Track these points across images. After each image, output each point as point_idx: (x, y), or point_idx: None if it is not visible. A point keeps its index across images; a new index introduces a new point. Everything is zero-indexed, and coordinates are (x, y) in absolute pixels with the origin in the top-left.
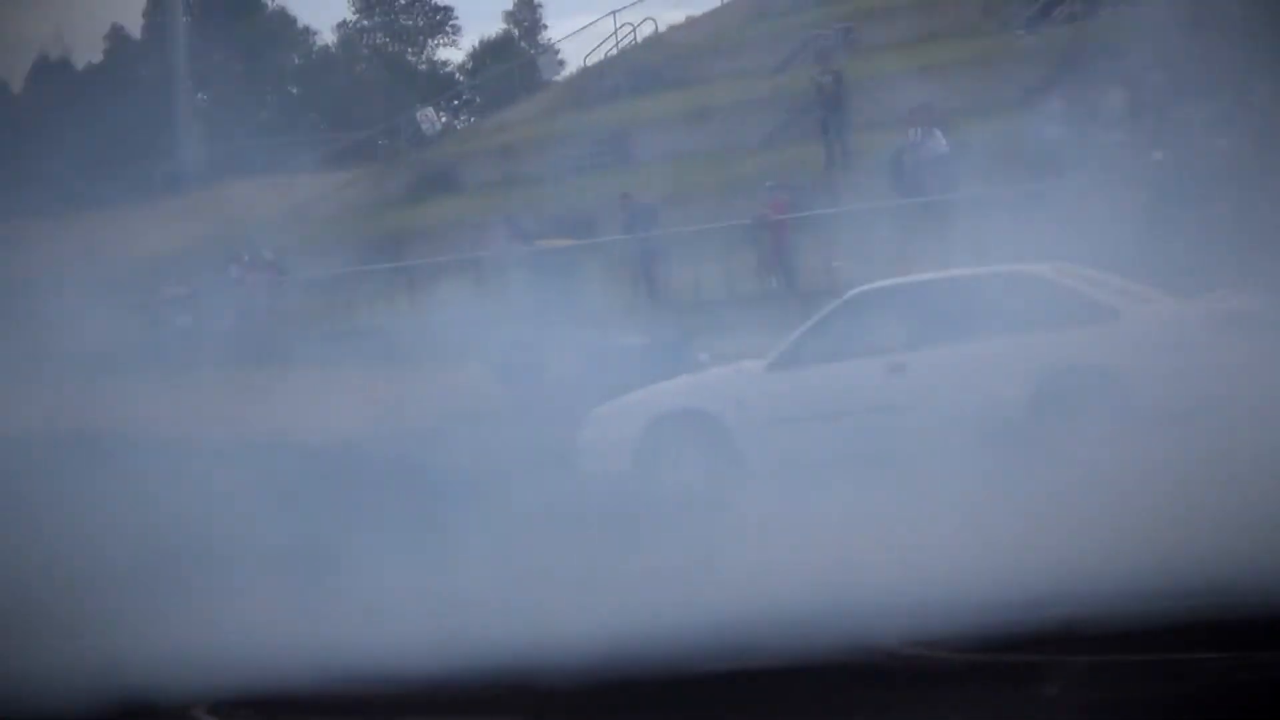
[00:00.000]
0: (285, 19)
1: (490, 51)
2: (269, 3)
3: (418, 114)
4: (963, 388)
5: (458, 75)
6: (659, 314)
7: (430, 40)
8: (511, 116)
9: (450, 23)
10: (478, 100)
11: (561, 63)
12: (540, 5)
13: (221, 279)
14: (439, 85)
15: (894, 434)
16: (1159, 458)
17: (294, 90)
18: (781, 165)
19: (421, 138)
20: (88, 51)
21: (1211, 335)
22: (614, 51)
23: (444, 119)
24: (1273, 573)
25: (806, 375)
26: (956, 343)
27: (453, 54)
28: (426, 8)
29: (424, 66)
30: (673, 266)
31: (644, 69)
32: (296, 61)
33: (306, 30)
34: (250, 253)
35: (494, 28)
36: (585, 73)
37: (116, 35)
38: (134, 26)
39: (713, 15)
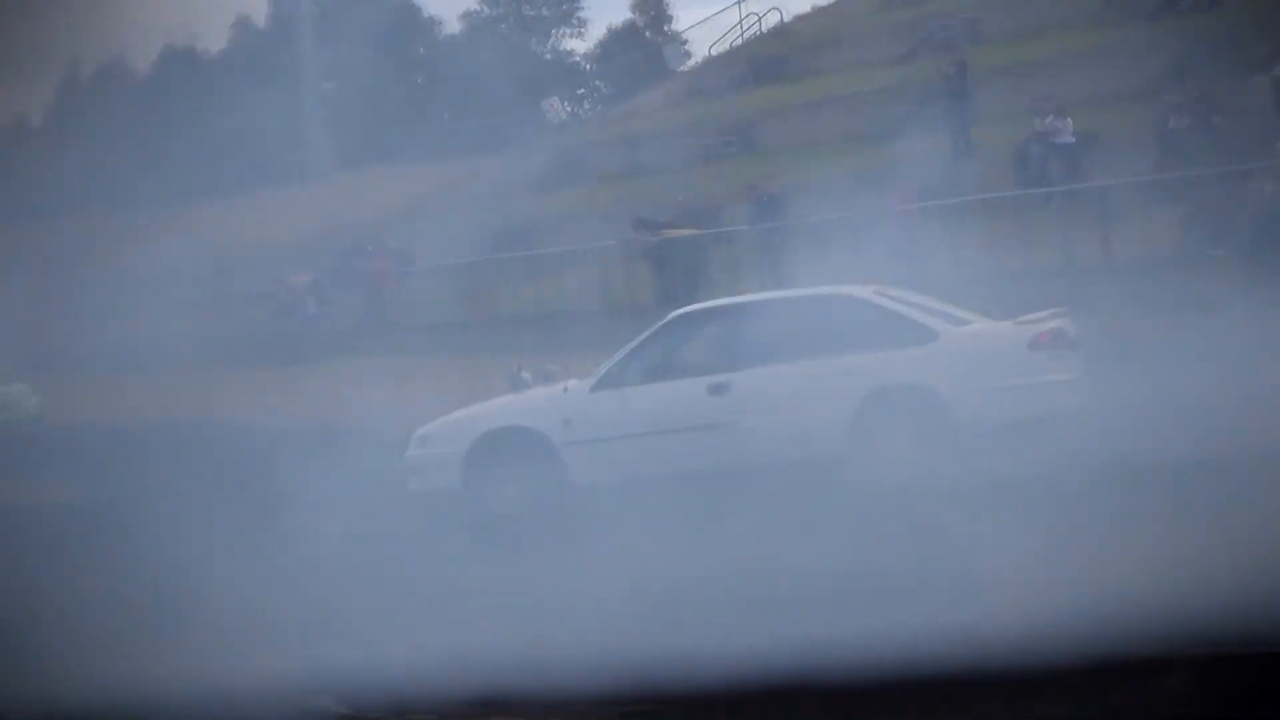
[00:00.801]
0: (411, 8)
1: (616, 41)
2: None
3: (543, 104)
4: (783, 408)
5: (584, 65)
6: None
7: (556, 30)
8: (637, 106)
9: (577, 13)
10: (603, 90)
11: (687, 53)
12: None
13: (347, 268)
14: (565, 75)
15: (716, 453)
16: (974, 476)
17: (420, 80)
18: (906, 155)
19: (547, 127)
20: (214, 40)
21: (1026, 355)
22: (739, 41)
23: (569, 108)
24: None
25: (630, 395)
26: (777, 363)
27: (579, 44)
28: None
29: (550, 56)
30: (799, 257)
31: (769, 59)
32: (422, 51)
33: (433, 20)
34: (375, 242)
35: (620, 17)
36: (711, 62)
37: (242, 24)
38: (259, 15)
39: (838, 5)
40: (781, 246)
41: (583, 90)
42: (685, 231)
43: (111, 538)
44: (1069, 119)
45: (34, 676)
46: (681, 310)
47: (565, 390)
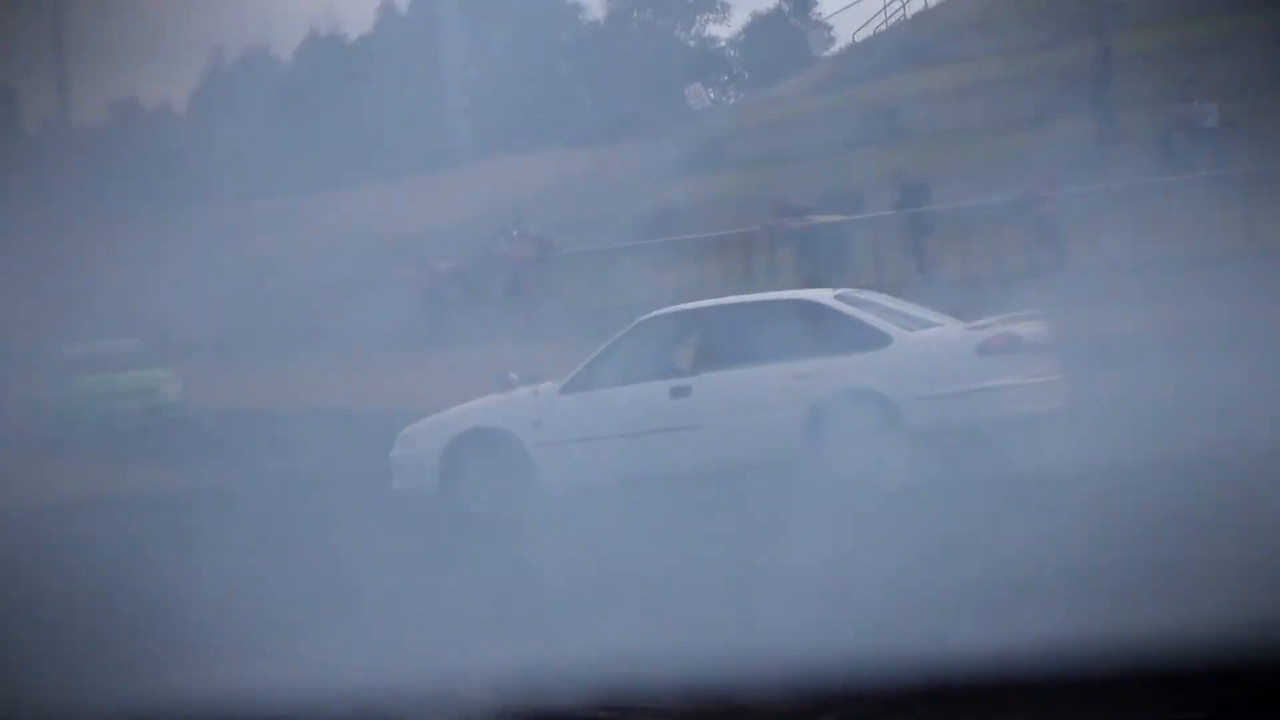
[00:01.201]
0: None
1: (760, 27)
2: None
3: (687, 90)
4: (743, 411)
5: (727, 51)
6: (929, 290)
7: (700, 16)
8: (780, 92)
9: None
10: (746, 76)
11: (831, 38)
12: None
13: (491, 254)
14: (708, 61)
15: (677, 456)
16: (921, 479)
17: (562, 66)
18: (1050, 141)
19: (690, 113)
20: (357, 26)
21: (975, 360)
22: (883, 27)
23: (713, 95)
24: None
25: (597, 397)
26: (738, 367)
27: (722, 29)
28: None
29: (693, 43)
30: (941, 241)
31: (913, 44)
32: (565, 37)
33: (576, 6)
34: (518, 228)
35: (764, 4)
36: (854, 48)
37: (385, 10)
38: (402, 1)
39: None
40: (924, 231)
41: (726, 76)
42: (829, 217)
43: (258, 524)
44: (1213, 104)
45: (219, 661)
46: (649, 315)
47: (536, 393)
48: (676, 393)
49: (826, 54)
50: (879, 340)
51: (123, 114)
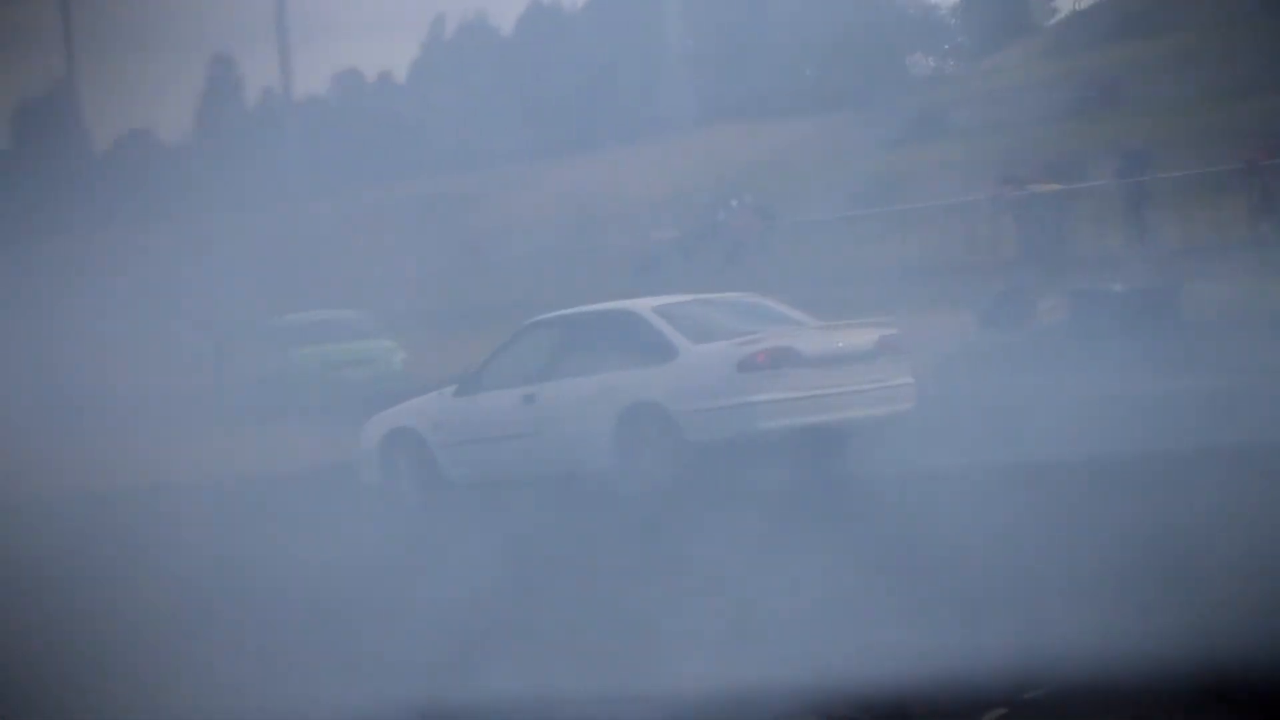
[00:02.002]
0: None
1: None
2: None
3: (908, 58)
4: (569, 420)
5: (949, 20)
6: (1148, 259)
7: None
8: (1002, 61)
9: None
10: (968, 44)
11: (1054, 7)
12: None
13: (711, 223)
14: (930, 29)
15: (523, 461)
16: (693, 493)
17: (782, 35)
18: (1271, 109)
19: (910, 82)
20: None
21: (734, 376)
22: None
23: (934, 63)
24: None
25: (477, 401)
26: (569, 377)
27: None
28: None
29: (915, 11)
30: (1162, 212)
31: (1134, 13)
32: (785, 6)
33: None
34: (739, 198)
35: None
36: (1076, 17)
37: None
38: None
39: None
40: (1145, 201)
41: (947, 45)
42: (1051, 187)
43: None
44: None
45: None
46: (532, 320)
47: (439, 394)
48: (527, 400)
49: (1049, 22)
50: (668, 354)
51: (345, 84)
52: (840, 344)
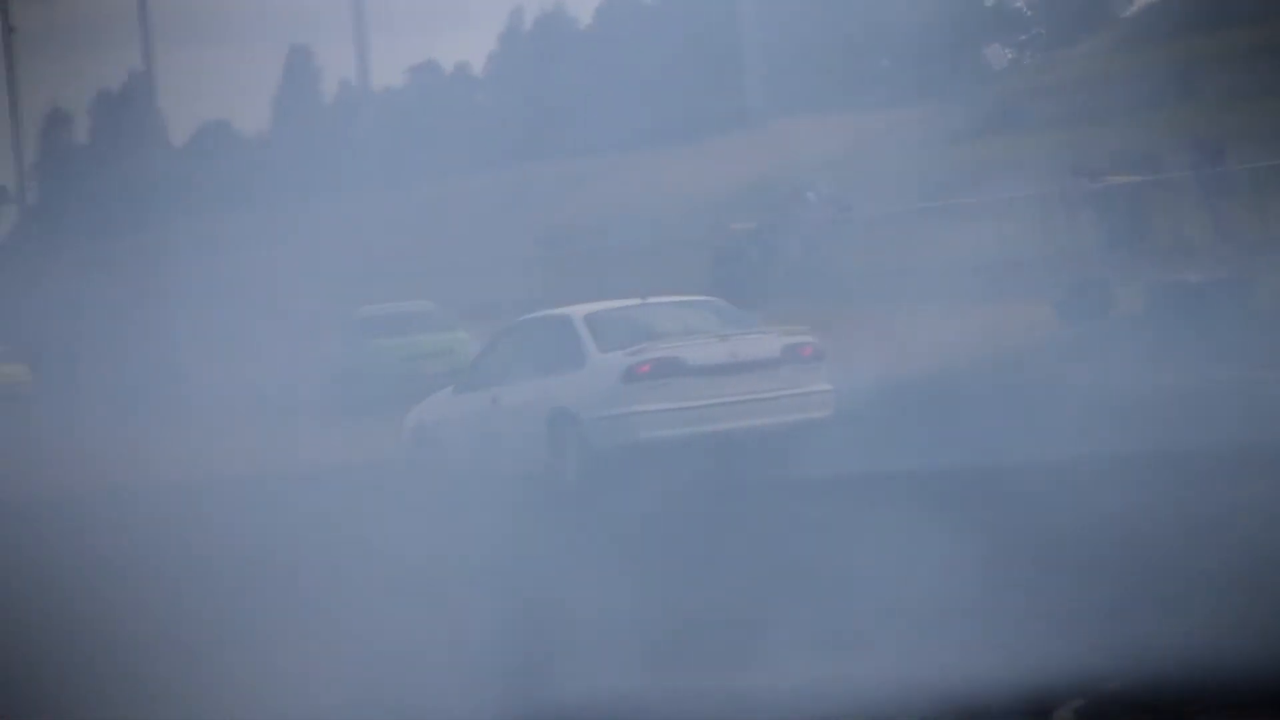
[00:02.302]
0: None
1: None
2: None
3: (984, 50)
4: (517, 422)
5: (1025, 11)
6: (1224, 251)
7: None
8: (1078, 52)
9: None
10: (1044, 35)
11: None
12: None
13: (787, 215)
14: (1006, 21)
15: (496, 459)
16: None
17: (856, 26)
18: None
19: (988, 74)
20: None
21: (619, 386)
22: None
23: (1010, 55)
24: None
25: (464, 400)
26: (522, 379)
27: None
28: None
29: (991, 2)
30: (1240, 202)
31: (1211, 4)
32: None
33: None
34: (816, 189)
35: None
36: (1152, 8)
37: None
38: None
39: None
40: (1223, 193)
41: (1024, 36)
42: (1127, 178)
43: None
44: None
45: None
46: (514, 320)
47: (448, 391)
48: (494, 401)
49: (1126, 14)
50: (580, 362)
51: (422, 77)
52: (737, 354)
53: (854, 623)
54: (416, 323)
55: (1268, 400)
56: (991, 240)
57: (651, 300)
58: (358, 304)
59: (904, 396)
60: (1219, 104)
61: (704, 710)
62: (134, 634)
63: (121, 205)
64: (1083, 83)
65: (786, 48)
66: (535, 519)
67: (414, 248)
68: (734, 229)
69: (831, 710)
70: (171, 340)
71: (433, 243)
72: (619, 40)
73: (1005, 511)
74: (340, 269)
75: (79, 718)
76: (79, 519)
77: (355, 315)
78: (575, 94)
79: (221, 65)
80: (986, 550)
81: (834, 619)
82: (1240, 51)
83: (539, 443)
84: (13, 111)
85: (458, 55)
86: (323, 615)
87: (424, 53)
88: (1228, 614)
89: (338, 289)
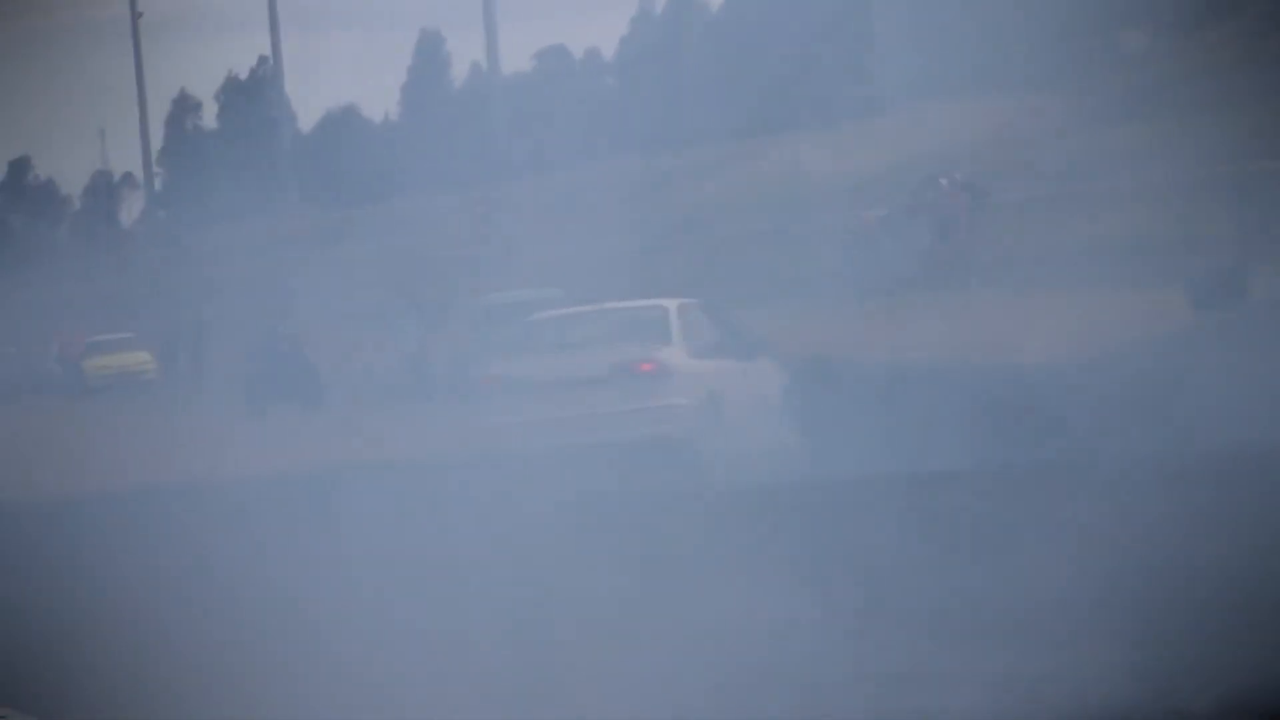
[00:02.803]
0: None
1: None
2: None
3: (1121, 34)
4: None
5: None
6: None
7: None
8: (1216, 36)
9: None
10: (1182, 19)
11: None
12: None
13: (921, 201)
14: (1144, 4)
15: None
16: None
17: (992, 9)
18: None
19: (1126, 58)
20: None
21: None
22: None
23: (1148, 38)
24: None
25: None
26: None
27: None
28: None
29: None
30: None
31: None
32: None
33: None
34: (948, 175)
35: None
36: None
37: None
38: None
39: None
40: None
41: (1161, 20)
42: (1266, 165)
43: None
44: None
45: None
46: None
47: None
48: None
49: None
50: None
51: (551, 61)
52: (574, 371)
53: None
54: (543, 311)
55: None
56: (1127, 226)
57: (594, 307)
58: (484, 291)
59: (1065, 383)
60: None
61: None
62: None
63: (248, 192)
64: (1221, 67)
65: (920, 32)
66: None
67: (542, 234)
68: (866, 216)
69: None
70: (296, 327)
71: (564, 229)
72: (750, 23)
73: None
74: (466, 255)
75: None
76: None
77: (479, 304)
78: (706, 78)
79: (350, 51)
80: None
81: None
82: None
83: None
84: (140, 97)
85: (588, 40)
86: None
87: (554, 37)
88: None
89: (468, 277)
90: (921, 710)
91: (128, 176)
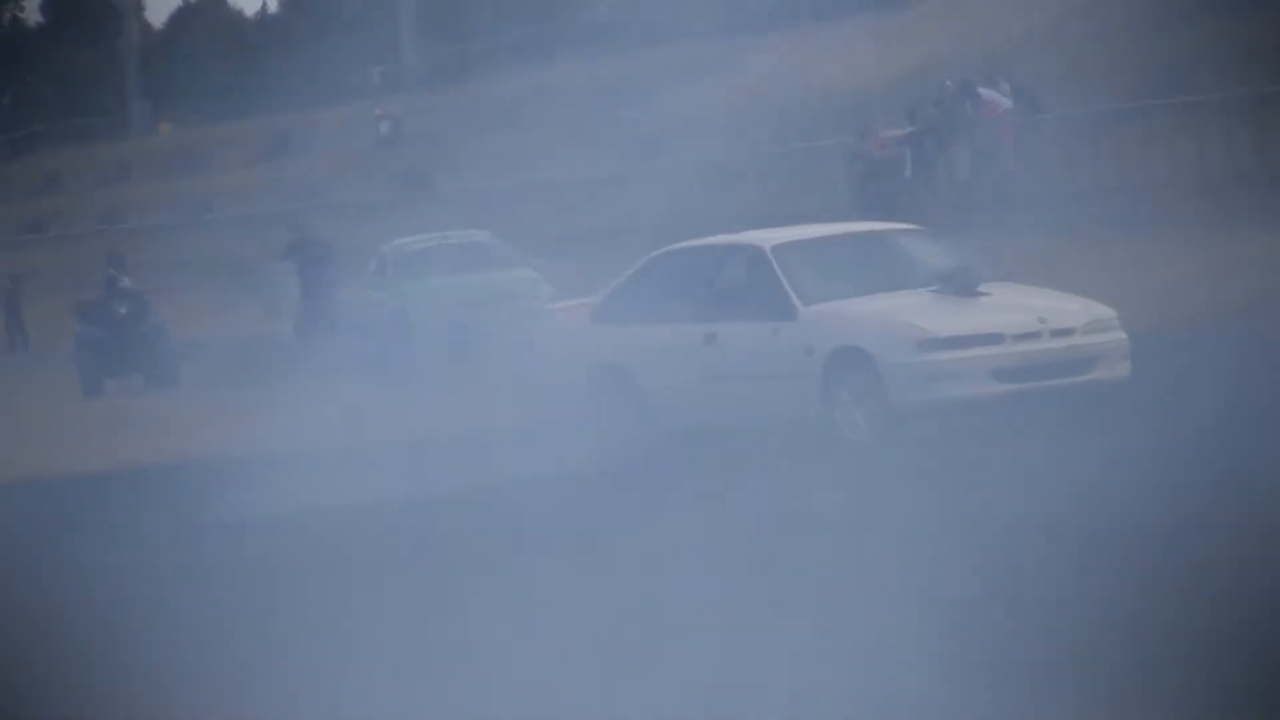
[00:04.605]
0: None
1: None
2: None
3: None
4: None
5: None
6: None
7: None
8: None
9: None
10: None
11: None
12: None
13: (954, 117)
14: None
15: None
16: None
17: None
18: None
19: None
20: None
21: None
22: None
23: None
24: None
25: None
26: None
27: None
28: None
29: None
30: None
31: None
32: None
33: None
34: (987, 82)
35: None
36: None
37: None
38: None
39: None
40: None
41: None
42: None
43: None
44: None
45: None
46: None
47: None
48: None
49: None
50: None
51: None
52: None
53: None
54: (468, 259)
55: None
56: (1214, 149)
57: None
58: (392, 236)
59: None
60: None
61: None
62: None
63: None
64: None
65: None
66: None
67: (468, 161)
68: (885, 135)
69: None
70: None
71: (491, 154)
72: None
73: None
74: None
75: None
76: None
77: (394, 251)
78: None
79: None
80: None
81: None
82: None
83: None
84: None
85: None
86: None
87: None
88: None
89: (356, 215)
90: None
91: None
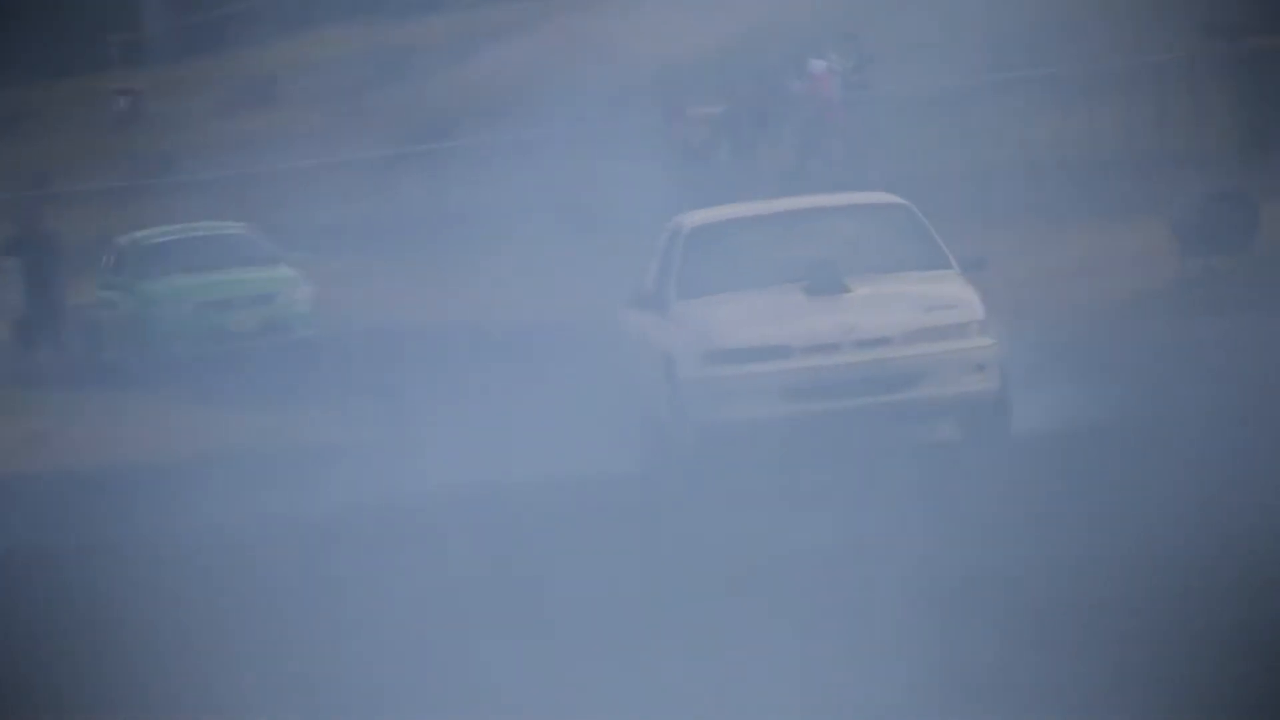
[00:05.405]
0: None
1: None
2: None
3: None
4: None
5: None
6: None
7: None
8: None
9: None
10: None
11: None
12: None
13: (773, 94)
14: None
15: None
16: None
17: None
18: None
19: None
20: None
21: None
22: None
23: None
24: None
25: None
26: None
27: None
28: None
29: None
30: None
31: None
32: None
33: None
34: (816, 55)
35: None
36: None
37: None
38: None
39: None
40: None
41: None
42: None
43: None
44: None
45: None
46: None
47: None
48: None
49: None
50: None
51: None
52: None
53: None
54: (216, 254)
55: None
56: (1084, 128)
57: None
58: (128, 228)
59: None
60: None
61: None
62: None
63: None
64: None
65: None
66: None
67: (227, 149)
68: (695, 114)
69: None
70: None
71: (255, 141)
72: None
73: None
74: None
75: None
76: None
77: (130, 245)
78: None
79: None
80: None
81: None
82: None
83: None
84: None
85: None
86: None
87: None
88: None
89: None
90: None
91: None
